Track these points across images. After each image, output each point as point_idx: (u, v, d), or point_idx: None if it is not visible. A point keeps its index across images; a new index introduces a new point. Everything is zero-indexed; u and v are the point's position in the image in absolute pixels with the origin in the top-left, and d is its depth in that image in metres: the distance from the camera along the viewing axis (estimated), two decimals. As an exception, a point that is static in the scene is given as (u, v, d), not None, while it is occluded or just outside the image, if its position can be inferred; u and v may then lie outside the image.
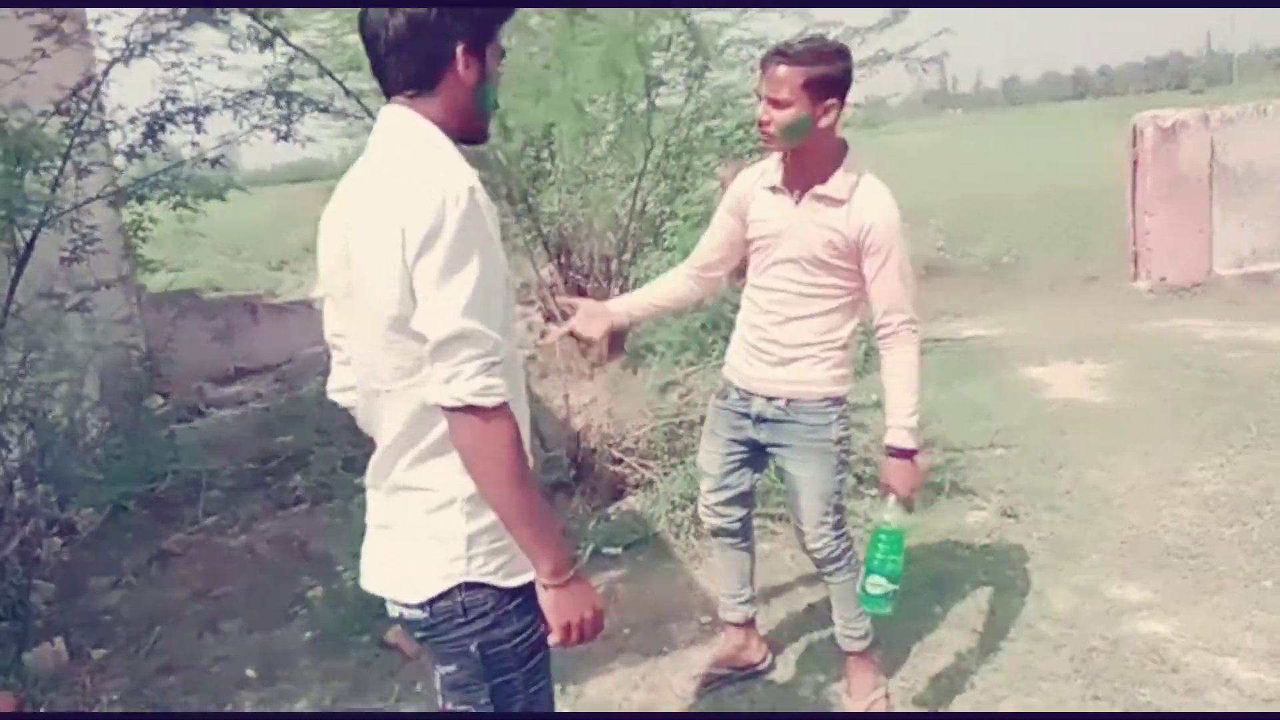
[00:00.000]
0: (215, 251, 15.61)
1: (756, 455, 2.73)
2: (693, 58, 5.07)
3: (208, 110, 3.58)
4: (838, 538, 2.65)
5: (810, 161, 2.40)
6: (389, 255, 1.41)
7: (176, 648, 3.54)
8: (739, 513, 2.83)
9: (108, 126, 3.50)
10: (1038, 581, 3.44)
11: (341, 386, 1.73)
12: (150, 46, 3.49)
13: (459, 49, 1.48)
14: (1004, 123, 35.09)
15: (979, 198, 11.78)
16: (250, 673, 3.31)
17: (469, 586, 1.52)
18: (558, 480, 4.17)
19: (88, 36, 3.38)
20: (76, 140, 3.45)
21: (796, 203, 2.43)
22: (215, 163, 3.80)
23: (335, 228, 1.55)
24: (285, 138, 3.81)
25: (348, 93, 3.58)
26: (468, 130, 1.57)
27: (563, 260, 5.95)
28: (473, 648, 1.54)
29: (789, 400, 2.54)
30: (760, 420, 2.61)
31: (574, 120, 5.17)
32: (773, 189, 2.49)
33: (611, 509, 4.09)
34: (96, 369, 3.90)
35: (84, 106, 3.43)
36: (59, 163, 3.42)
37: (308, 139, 3.83)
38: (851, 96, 2.44)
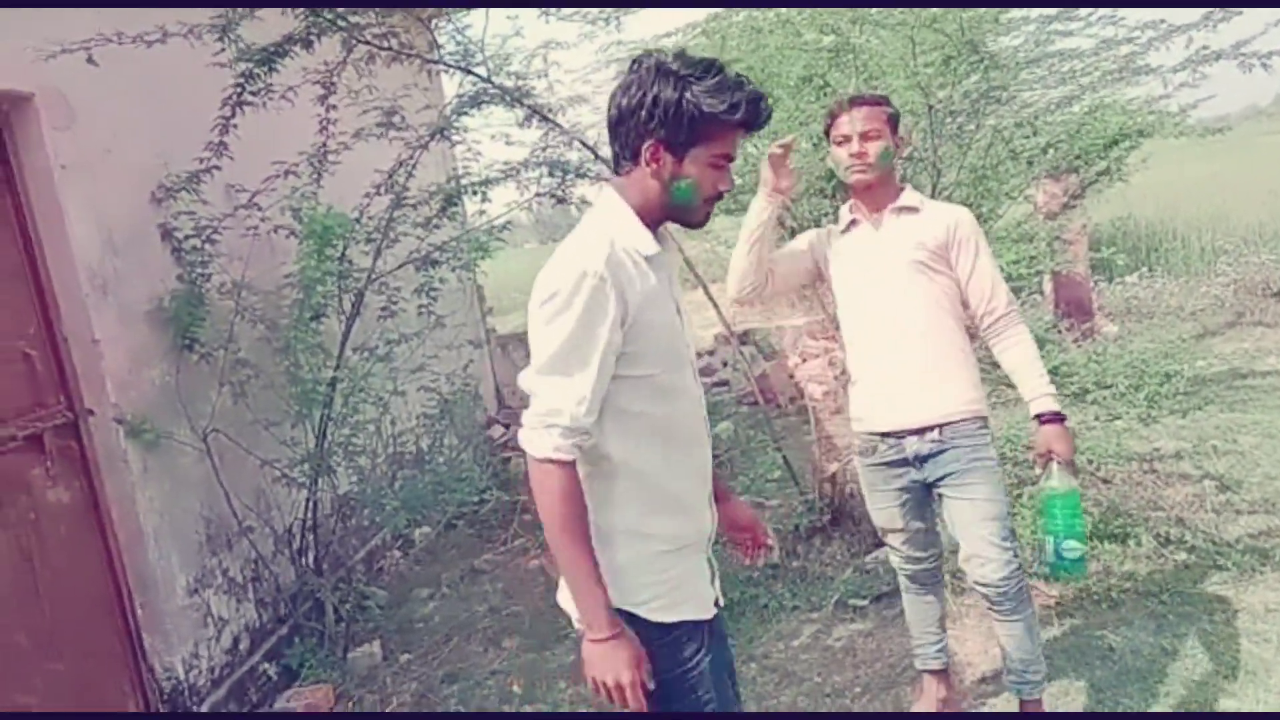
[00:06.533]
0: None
1: (926, 497, 2.70)
2: (983, 82, 4.78)
3: (490, 182, 4.05)
4: (1019, 568, 2.55)
5: (885, 192, 2.63)
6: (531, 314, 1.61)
7: (463, 658, 4.00)
8: (934, 553, 2.82)
9: (414, 203, 4.07)
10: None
11: None
12: (445, 131, 4.04)
13: (647, 144, 1.62)
14: None
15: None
16: (516, 689, 3.66)
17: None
18: (812, 524, 4.11)
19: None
20: (395, 215, 4.07)
21: (878, 226, 2.63)
22: (504, 227, 4.26)
23: None
24: (561, 202, 4.20)
25: (597, 157, 3.87)
26: (663, 217, 1.71)
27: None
28: None
29: (942, 427, 2.52)
30: (919, 460, 2.58)
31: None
32: (850, 226, 2.68)
33: (869, 558, 3.95)
34: (447, 402, 4.51)
35: (396, 187, 4.04)
36: (379, 238, 4.05)
37: (583, 200, 4.18)
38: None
